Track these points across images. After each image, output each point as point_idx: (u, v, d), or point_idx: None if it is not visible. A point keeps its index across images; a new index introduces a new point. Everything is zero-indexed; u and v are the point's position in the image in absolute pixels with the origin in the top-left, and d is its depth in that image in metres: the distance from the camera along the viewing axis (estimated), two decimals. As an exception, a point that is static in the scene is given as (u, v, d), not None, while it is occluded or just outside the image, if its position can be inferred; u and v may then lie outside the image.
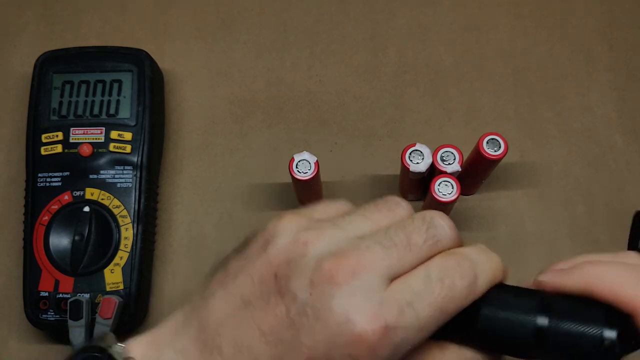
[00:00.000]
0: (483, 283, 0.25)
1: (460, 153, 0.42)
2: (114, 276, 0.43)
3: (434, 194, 0.40)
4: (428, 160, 0.41)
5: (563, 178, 0.48)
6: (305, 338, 0.24)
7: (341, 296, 0.23)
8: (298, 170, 0.41)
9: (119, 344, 0.27)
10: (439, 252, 0.26)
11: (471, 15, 0.52)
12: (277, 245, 0.26)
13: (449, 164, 0.41)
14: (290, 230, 0.26)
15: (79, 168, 0.44)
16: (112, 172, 0.44)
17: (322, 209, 0.28)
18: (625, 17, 0.52)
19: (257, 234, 0.27)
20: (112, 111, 0.45)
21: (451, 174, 0.41)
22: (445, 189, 0.40)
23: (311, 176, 0.41)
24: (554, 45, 0.51)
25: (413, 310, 0.24)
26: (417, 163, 0.41)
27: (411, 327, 0.24)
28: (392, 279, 0.25)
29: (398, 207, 0.27)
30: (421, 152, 0.41)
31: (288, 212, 0.28)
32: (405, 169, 0.41)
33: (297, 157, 0.41)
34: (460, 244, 0.27)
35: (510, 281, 0.47)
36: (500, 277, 0.27)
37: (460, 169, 0.41)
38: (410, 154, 0.41)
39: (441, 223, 0.26)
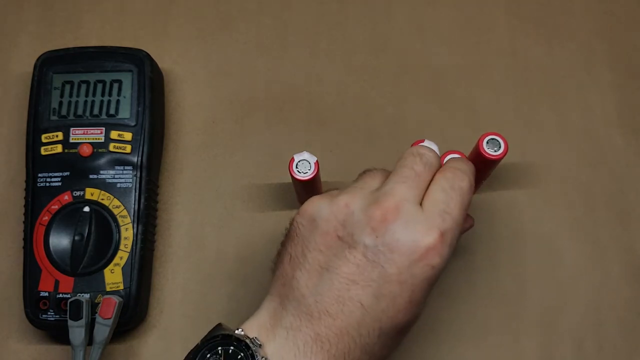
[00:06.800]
0: (472, 177, 0.34)
1: (461, 153, 0.42)
2: (114, 276, 0.43)
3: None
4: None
5: (563, 178, 0.48)
6: (389, 269, 0.30)
7: (399, 228, 0.31)
8: (298, 170, 0.41)
9: (238, 330, 0.32)
10: (435, 171, 0.34)
11: (471, 15, 0.52)
12: (322, 217, 0.32)
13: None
14: (324, 203, 0.33)
15: (79, 168, 0.44)
16: (112, 172, 0.44)
17: (333, 190, 0.35)
18: (625, 17, 0.52)
19: (293, 223, 0.34)
20: (112, 111, 0.45)
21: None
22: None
23: (311, 176, 0.41)
24: (554, 45, 0.51)
25: (448, 214, 0.31)
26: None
27: (453, 226, 0.31)
28: (420, 202, 0.32)
29: (378, 171, 0.35)
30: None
31: (307, 201, 0.34)
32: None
33: (297, 157, 0.41)
34: (439, 159, 0.35)
35: (509, 280, 0.48)
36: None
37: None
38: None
39: (426, 151, 0.34)
